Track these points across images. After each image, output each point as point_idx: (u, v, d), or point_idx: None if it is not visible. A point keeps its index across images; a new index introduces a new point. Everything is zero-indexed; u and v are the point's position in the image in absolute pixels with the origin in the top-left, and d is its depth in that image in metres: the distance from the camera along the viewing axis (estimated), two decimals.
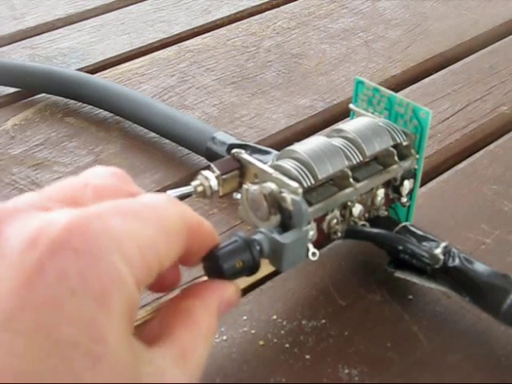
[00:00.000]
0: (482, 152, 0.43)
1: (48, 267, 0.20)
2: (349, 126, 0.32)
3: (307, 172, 0.29)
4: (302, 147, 0.30)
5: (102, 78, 0.48)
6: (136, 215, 0.22)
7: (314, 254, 0.29)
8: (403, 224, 0.32)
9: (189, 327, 0.23)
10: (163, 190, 0.39)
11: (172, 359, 0.22)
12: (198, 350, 0.23)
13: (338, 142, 0.32)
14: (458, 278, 0.30)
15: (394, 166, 0.32)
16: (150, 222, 0.22)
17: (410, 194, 0.34)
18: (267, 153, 0.35)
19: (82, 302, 0.20)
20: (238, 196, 0.31)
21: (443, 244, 0.31)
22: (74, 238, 0.20)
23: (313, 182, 0.29)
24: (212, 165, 0.31)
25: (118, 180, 0.24)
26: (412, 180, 0.33)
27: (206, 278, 0.26)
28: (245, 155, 0.31)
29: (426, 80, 0.51)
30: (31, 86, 0.47)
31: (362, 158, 0.31)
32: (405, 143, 0.33)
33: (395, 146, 0.32)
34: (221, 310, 0.25)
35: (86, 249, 0.20)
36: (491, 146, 0.44)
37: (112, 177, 0.24)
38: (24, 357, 0.19)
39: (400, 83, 0.50)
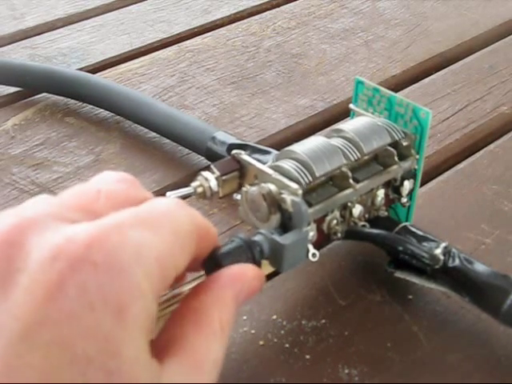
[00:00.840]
0: (481, 152, 0.43)
1: (68, 282, 0.20)
2: (347, 125, 0.32)
3: (305, 170, 0.29)
4: (301, 147, 0.30)
5: (103, 78, 0.48)
6: (152, 224, 0.22)
7: (314, 254, 0.29)
8: (403, 224, 0.32)
9: (200, 329, 0.23)
10: (163, 189, 0.39)
11: (186, 371, 0.22)
12: (212, 352, 0.23)
13: (336, 141, 0.32)
14: (458, 279, 0.30)
15: (394, 167, 0.32)
16: (167, 231, 0.22)
17: (410, 194, 0.34)
18: (267, 153, 0.35)
19: (100, 317, 0.20)
20: (238, 197, 0.31)
21: (443, 244, 0.31)
22: (93, 252, 0.20)
23: (310, 179, 0.29)
24: (212, 166, 0.31)
25: (128, 185, 0.24)
26: (412, 180, 0.33)
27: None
28: (245, 156, 0.31)
29: (426, 80, 0.51)
30: (31, 86, 0.47)
31: (359, 155, 0.31)
32: (405, 143, 0.33)
33: (395, 146, 0.32)
34: (241, 299, 0.24)
35: (105, 262, 0.20)
36: (491, 146, 0.44)
37: (122, 182, 0.24)
38: (41, 369, 0.19)
39: (400, 83, 0.50)
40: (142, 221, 0.22)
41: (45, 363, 0.19)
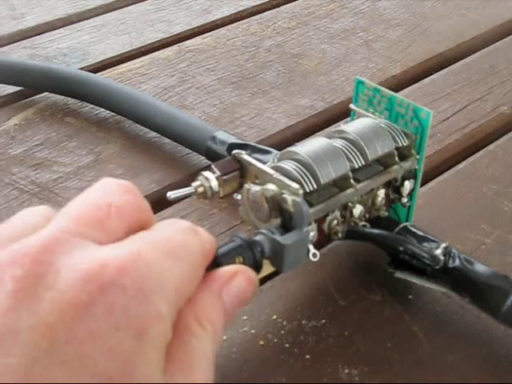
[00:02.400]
0: (481, 152, 0.43)
1: (97, 302, 0.21)
2: (350, 127, 0.32)
3: (309, 175, 0.29)
4: (304, 149, 0.30)
5: (103, 77, 0.48)
6: (169, 253, 0.23)
7: (314, 254, 0.29)
8: (403, 224, 0.32)
9: (177, 334, 0.23)
10: (163, 189, 0.39)
11: (173, 374, 0.22)
12: (194, 350, 0.23)
13: (339, 143, 0.31)
14: (458, 279, 0.30)
15: (395, 167, 0.32)
16: (182, 261, 0.23)
17: (411, 194, 0.34)
18: (267, 152, 0.35)
19: (123, 338, 0.20)
20: (239, 197, 0.31)
21: (443, 245, 0.31)
22: (123, 278, 0.21)
23: (315, 186, 0.29)
24: (213, 165, 0.31)
25: (132, 196, 0.25)
26: (412, 180, 0.33)
27: None
28: (245, 156, 0.31)
29: (426, 80, 0.51)
30: (32, 85, 0.47)
31: (364, 162, 0.31)
32: (405, 144, 0.33)
33: (396, 147, 0.32)
34: (226, 293, 0.25)
35: (132, 288, 0.21)
36: (491, 146, 0.44)
37: (127, 194, 0.25)
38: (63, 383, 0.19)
39: (400, 83, 0.50)
40: (161, 251, 0.23)
41: (67, 378, 0.19)
